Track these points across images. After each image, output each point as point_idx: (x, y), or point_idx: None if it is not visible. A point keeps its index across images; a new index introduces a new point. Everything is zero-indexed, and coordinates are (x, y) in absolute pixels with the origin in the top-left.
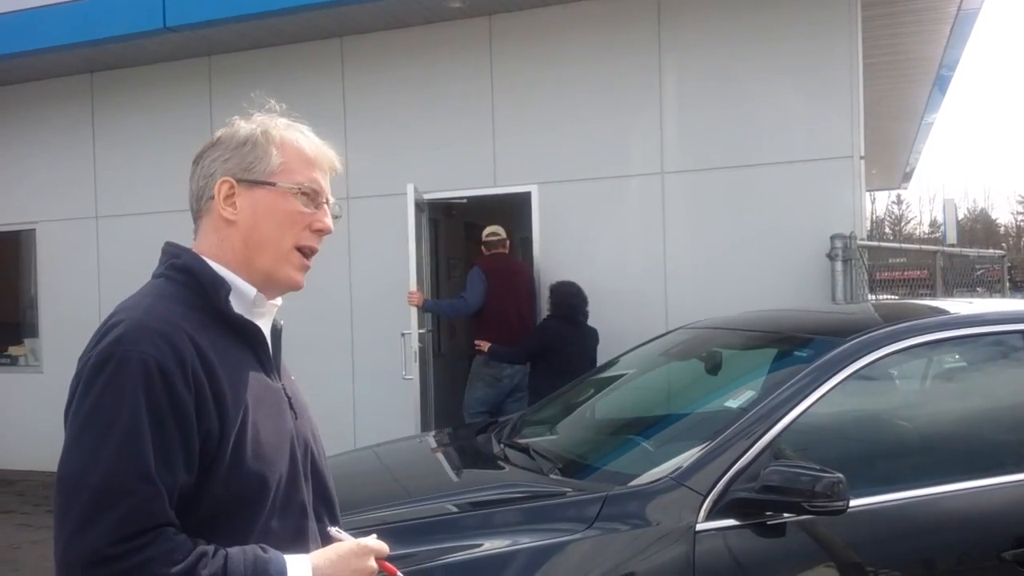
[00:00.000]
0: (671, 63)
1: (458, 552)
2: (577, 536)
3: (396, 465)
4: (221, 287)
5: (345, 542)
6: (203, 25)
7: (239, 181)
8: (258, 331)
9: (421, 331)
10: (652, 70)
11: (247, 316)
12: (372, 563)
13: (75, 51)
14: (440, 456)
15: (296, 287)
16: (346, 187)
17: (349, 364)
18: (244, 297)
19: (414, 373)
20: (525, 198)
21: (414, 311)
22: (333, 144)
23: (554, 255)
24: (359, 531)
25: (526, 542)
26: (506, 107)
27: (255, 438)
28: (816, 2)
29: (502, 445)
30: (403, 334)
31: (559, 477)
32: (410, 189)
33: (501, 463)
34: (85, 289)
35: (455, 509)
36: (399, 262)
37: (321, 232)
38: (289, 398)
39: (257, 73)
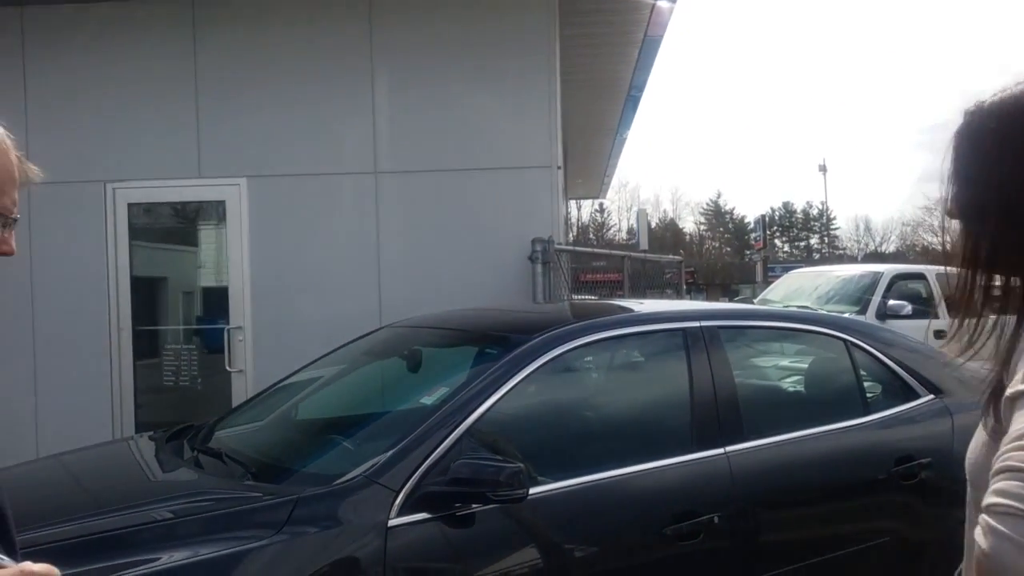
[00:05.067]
0: (383, 64)
1: (134, 568)
2: (263, 542)
3: (81, 474)
4: None
5: (5, 569)
6: None
7: None
8: None
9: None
10: (364, 71)
11: None
12: None
13: None
14: (128, 464)
15: None
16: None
17: (31, 368)
18: None
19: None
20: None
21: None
22: (10, 121)
23: (265, 251)
24: (27, 552)
25: (207, 553)
26: (211, 97)
27: None
28: (518, 20)
29: (194, 451)
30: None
31: (252, 482)
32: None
33: (192, 470)
34: None
35: (133, 522)
36: (88, 253)
37: (5, 255)
38: None
39: None
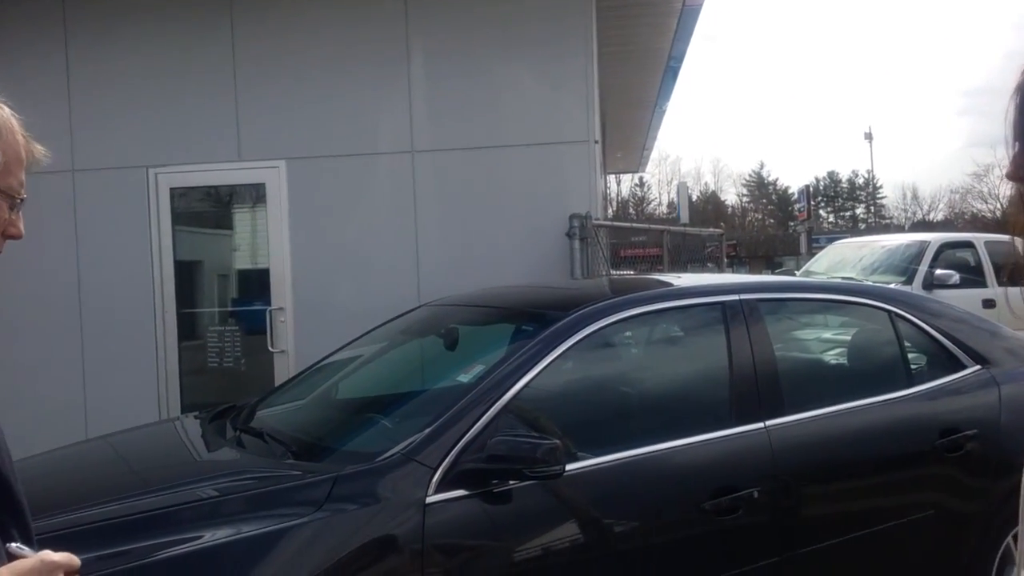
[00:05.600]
0: (418, 43)
1: (178, 546)
2: (304, 519)
3: (129, 454)
4: None
5: (25, 560)
6: None
7: None
8: None
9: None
10: (400, 51)
11: None
12: None
13: None
14: (174, 443)
15: None
16: (71, 159)
17: (79, 351)
18: None
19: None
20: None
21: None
22: (55, 111)
23: (305, 232)
24: (69, 532)
25: (249, 530)
26: (250, 80)
27: None
28: None
29: (237, 431)
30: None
31: (293, 461)
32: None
33: (234, 449)
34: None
35: (178, 501)
36: (132, 238)
37: (13, 238)
38: None
39: None
